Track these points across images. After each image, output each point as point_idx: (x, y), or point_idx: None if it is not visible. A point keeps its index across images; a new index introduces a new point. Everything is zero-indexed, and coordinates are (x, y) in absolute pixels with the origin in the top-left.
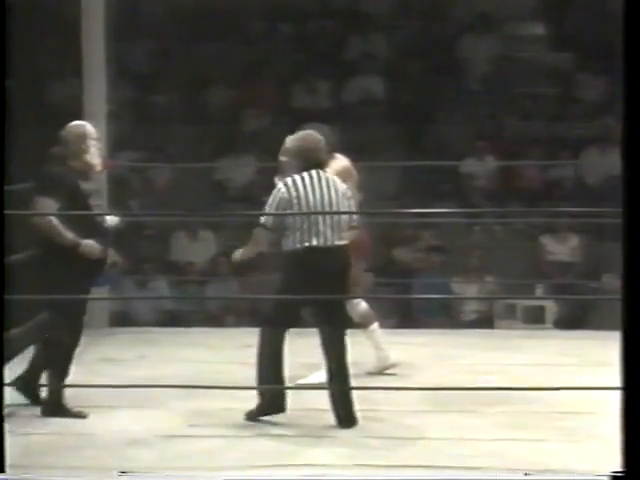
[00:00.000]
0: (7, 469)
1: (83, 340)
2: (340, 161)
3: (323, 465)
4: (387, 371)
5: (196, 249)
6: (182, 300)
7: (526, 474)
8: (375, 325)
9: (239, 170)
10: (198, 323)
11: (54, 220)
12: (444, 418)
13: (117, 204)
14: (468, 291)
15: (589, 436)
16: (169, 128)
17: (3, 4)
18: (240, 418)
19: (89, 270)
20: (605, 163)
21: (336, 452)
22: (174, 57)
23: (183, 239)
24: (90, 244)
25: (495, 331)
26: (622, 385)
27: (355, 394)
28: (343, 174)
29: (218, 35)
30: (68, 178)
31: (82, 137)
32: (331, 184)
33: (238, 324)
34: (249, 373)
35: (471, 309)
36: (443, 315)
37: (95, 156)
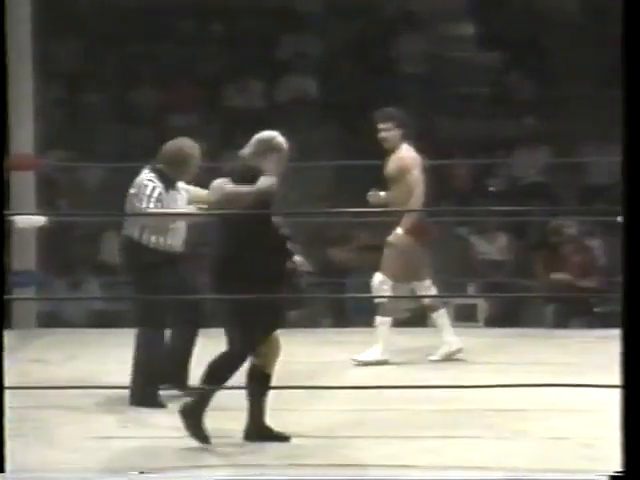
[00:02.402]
0: (7, 469)
1: (10, 341)
2: (412, 153)
3: (323, 465)
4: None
5: None
6: (114, 301)
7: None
8: (443, 310)
9: None
10: (130, 324)
11: None
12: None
13: (45, 204)
14: (403, 290)
15: (518, 433)
16: (100, 127)
17: (3, 4)
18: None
19: None
20: (534, 162)
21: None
22: (105, 56)
23: (114, 239)
24: None
25: (427, 329)
26: (622, 384)
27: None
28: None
29: (149, 34)
30: None
31: None
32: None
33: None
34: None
35: (404, 308)
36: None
37: None
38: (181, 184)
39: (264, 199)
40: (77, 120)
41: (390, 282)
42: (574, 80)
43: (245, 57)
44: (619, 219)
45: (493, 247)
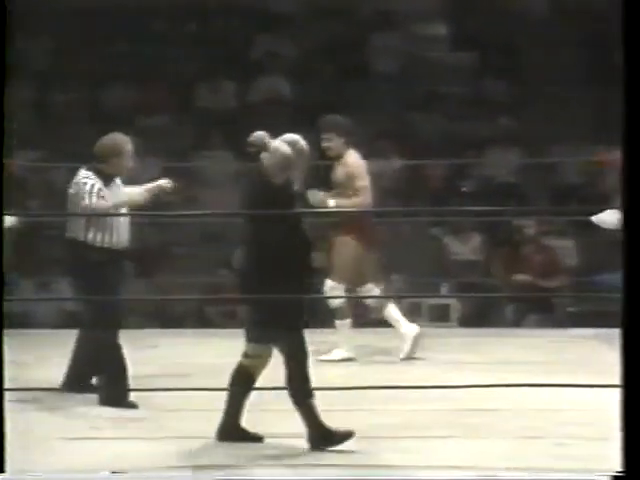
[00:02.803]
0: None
1: None
2: (358, 158)
3: (323, 465)
4: None
5: None
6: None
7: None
8: (392, 306)
9: (142, 170)
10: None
11: None
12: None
13: (15, 204)
14: (374, 290)
15: (494, 433)
16: (70, 128)
17: (3, 4)
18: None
19: None
20: (507, 162)
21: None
22: (76, 56)
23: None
24: None
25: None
26: (622, 384)
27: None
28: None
29: (121, 34)
30: None
31: None
32: None
33: (142, 325)
34: (149, 370)
35: (377, 308)
36: (348, 314)
37: None
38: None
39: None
40: (47, 120)
41: (342, 286)
42: (546, 80)
43: (218, 57)
44: (592, 219)
45: (466, 247)
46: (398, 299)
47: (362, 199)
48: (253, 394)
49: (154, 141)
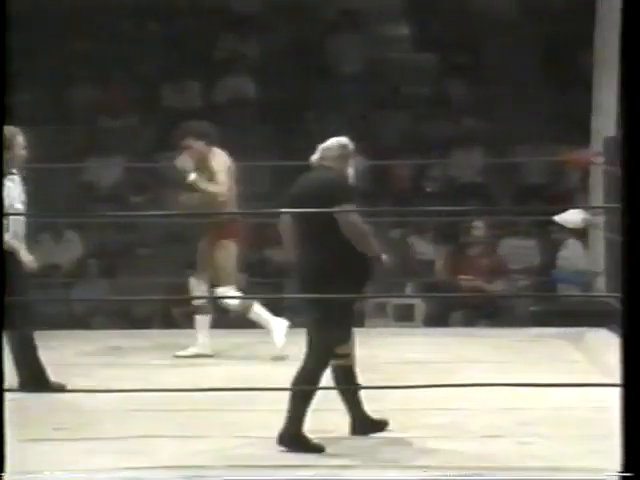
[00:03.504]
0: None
1: None
2: (222, 156)
3: (323, 466)
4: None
5: (61, 250)
6: (47, 302)
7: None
8: (257, 305)
9: (106, 170)
10: (64, 325)
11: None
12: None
13: None
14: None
15: (454, 431)
16: (33, 128)
17: (3, 4)
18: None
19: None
20: (471, 163)
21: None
22: (39, 55)
23: (48, 241)
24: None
25: (365, 329)
26: (622, 383)
27: None
28: (224, 169)
29: (85, 33)
30: None
31: None
32: None
33: (105, 326)
34: (110, 373)
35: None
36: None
37: None
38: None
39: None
40: (8, 120)
41: (206, 284)
42: (510, 81)
43: (182, 57)
44: (555, 218)
45: (431, 247)
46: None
47: (227, 198)
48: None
49: (118, 141)
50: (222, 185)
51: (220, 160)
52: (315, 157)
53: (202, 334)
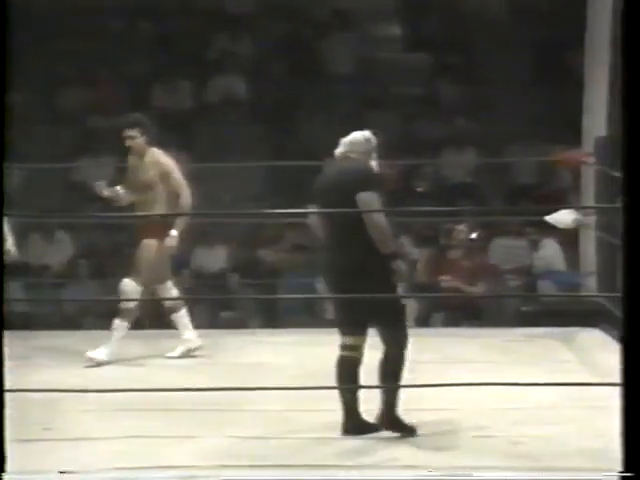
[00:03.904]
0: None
1: None
2: (161, 157)
3: (323, 465)
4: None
5: (52, 251)
6: (38, 303)
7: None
8: (184, 310)
9: (97, 170)
10: (54, 326)
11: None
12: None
13: None
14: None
15: (447, 430)
16: (23, 128)
17: (3, 4)
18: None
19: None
20: (462, 163)
21: None
22: (30, 55)
23: (39, 241)
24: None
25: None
26: (622, 383)
27: None
28: (160, 171)
29: (77, 33)
30: None
31: None
32: None
33: (96, 326)
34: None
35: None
36: (308, 314)
37: None
38: None
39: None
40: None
41: (140, 286)
42: (502, 81)
43: (174, 57)
44: (547, 218)
45: (415, 248)
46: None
47: (183, 195)
48: None
49: (109, 141)
50: (182, 191)
51: (168, 163)
52: (341, 150)
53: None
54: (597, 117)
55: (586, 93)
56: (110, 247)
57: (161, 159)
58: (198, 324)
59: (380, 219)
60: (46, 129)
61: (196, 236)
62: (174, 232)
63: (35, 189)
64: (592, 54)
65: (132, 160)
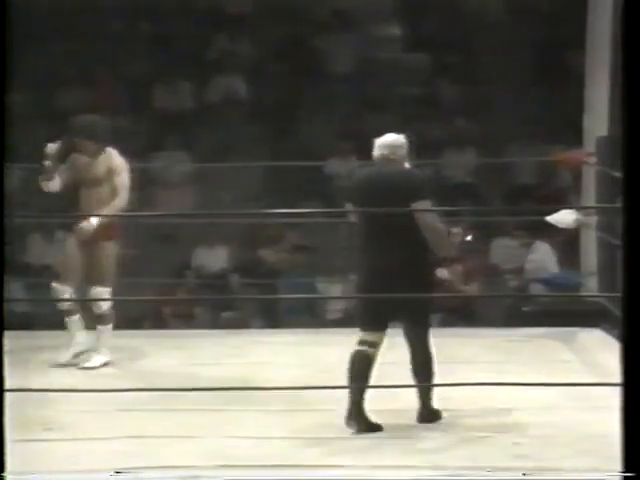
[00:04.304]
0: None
1: None
2: (113, 156)
3: (322, 466)
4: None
5: (52, 251)
6: (38, 303)
7: (524, 474)
8: (110, 326)
9: None
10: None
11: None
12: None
13: None
14: (333, 290)
15: (447, 432)
16: (22, 128)
17: (3, 4)
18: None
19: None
20: (463, 163)
21: None
22: (30, 55)
23: (39, 241)
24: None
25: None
26: (622, 383)
27: None
28: (108, 168)
29: (77, 33)
30: None
31: None
32: None
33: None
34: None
35: (336, 308)
36: (309, 315)
37: None
38: None
39: None
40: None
41: (72, 286)
42: (502, 81)
43: (174, 57)
44: (548, 219)
45: None
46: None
47: (121, 196)
48: None
49: (109, 141)
50: (122, 191)
51: (119, 162)
52: (383, 152)
53: (77, 334)
54: (598, 117)
55: (587, 93)
56: None
57: (113, 158)
58: (199, 324)
59: (437, 223)
60: (46, 129)
61: (197, 236)
62: (94, 219)
63: (35, 189)
64: (593, 54)
65: (82, 159)
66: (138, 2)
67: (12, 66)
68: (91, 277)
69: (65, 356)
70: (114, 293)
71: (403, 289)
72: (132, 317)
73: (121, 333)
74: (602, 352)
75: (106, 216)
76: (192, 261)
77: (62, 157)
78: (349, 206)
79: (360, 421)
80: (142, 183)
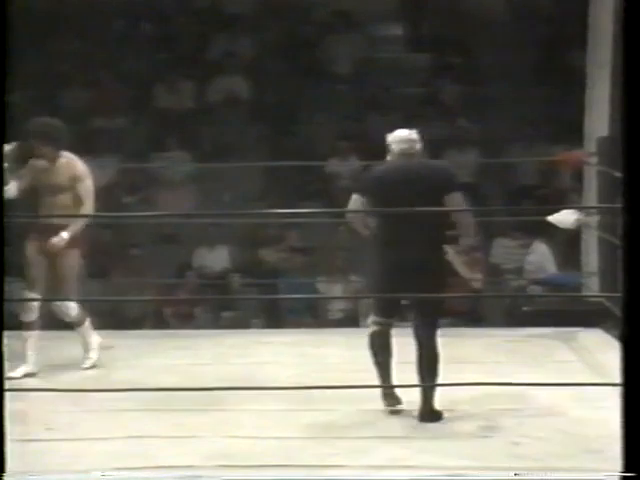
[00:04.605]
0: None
1: None
2: (73, 162)
3: (322, 466)
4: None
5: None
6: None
7: (516, 474)
8: (87, 323)
9: (99, 171)
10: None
11: None
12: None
13: None
14: (333, 291)
15: (449, 432)
16: (23, 128)
17: (3, 4)
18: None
19: None
20: (465, 163)
21: None
22: (31, 56)
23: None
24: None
25: (361, 330)
26: (622, 383)
27: None
28: (71, 175)
29: (78, 33)
30: None
31: None
32: None
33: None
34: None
35: (336, 308)
36: (309, 315)
37: None
38: None
39: None
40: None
41: (39, 294)
42: (503, 81)
43: (175, 57)
44: (549, 219)
45: None
46: None
47: (87, 202)
48: None
49: (110, 142)
50: (88, 198)
51: (82, 169)
52: (403, 147)
53: (31, 351)
54: (599, 117)
55: (588, 93)
56: (116, 246)
57: (76, 165)
58: (199, 324)
59: (471, 219)
60: None
61: (198, 236)
62: (65, 234)
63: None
64: (594, 54)
65: (40, 164)
66: (139, 2)
67: (13, 66)
68: (55, 287)
69: (17, 372)
70: (111, 293)
71: (422, 285)
72: (133, 317)
73: (121, 333)
74: (602, 352)
75: (75, 225)
76: (193, 261)
77: (19, 161)
78: (362, 202)
79: (395, 397)
80: (143, 183)
